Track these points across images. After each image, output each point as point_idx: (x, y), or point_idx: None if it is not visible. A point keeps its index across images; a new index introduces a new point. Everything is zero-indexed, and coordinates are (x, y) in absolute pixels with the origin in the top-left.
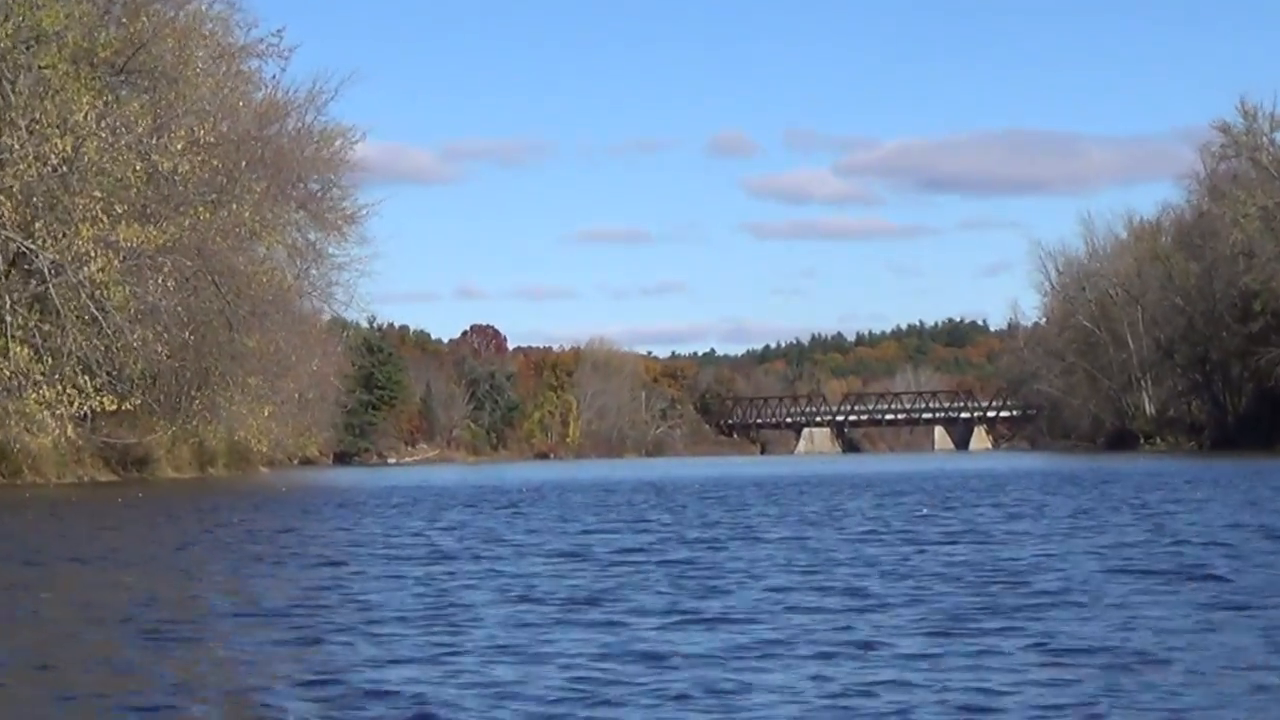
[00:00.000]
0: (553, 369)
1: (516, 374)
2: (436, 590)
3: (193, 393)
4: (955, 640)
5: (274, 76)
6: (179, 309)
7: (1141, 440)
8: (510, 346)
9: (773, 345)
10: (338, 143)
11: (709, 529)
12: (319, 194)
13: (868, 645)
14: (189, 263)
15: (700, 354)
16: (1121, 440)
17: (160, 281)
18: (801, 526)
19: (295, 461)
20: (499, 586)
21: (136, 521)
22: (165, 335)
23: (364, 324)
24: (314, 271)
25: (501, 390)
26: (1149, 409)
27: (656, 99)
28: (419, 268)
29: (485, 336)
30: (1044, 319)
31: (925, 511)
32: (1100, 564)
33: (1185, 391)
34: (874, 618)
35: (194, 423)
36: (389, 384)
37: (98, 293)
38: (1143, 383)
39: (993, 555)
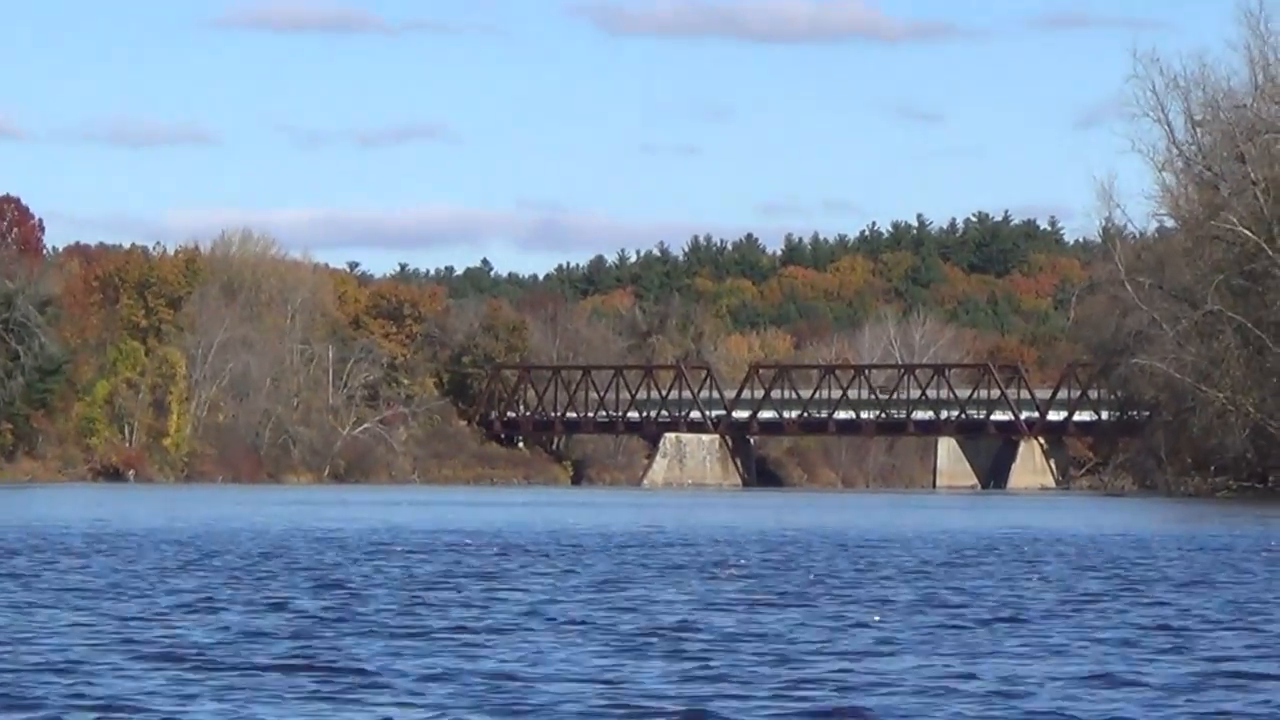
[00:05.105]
0: (139, 292)
1: (62, 300)
2: None
3: None
4: None
5: None
6: None
7: None
8: (51, 244)
9: (613, 258)
10: None
11: None
12: None
13: None
14: None
15: (458, 271)
16: None
17: None
18: None
19: None
20: None
21: None
22: None
23: None
24: None
25: (28, 334)
26: None
27: None
28: None
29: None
30: (1167, 220)
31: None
32: None
33: None
34: None
35: None
36: None
37: None
38: None
39: None
